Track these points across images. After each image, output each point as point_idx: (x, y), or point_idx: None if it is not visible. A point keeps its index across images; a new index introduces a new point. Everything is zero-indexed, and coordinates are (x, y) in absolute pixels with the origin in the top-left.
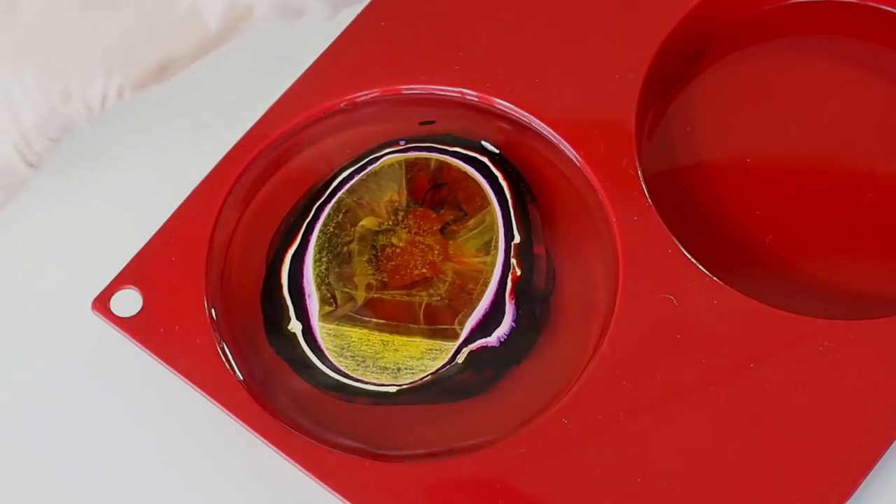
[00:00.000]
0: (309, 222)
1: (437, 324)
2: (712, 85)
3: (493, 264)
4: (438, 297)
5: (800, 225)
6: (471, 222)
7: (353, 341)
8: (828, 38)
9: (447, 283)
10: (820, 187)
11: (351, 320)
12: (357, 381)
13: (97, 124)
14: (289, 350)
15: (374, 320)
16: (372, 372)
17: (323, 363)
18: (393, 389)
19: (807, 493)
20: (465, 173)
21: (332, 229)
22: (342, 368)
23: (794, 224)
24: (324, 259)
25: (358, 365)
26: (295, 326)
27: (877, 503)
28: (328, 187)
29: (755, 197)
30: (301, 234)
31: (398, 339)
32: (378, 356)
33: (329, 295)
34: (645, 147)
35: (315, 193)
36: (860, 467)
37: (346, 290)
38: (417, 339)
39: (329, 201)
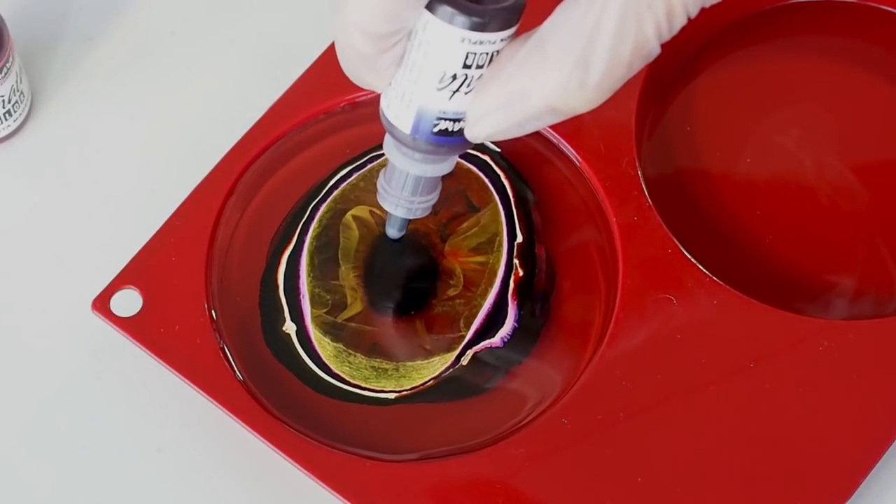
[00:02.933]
0: (304, 222)
1: (436, 328)
2: (712, 85)
3: (496, 264)
4: (443, 301)
5: (800, 225)
6: (465, 224)
7: (341, 353)
8: (827, 38)
9: (458, 287)
10: (820, 187)
11: (344, 339)
12: (354, 386)
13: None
14: (285, 352)
15: (369, 329)
16: (370, 378)
17: (318, 366)
18: (392, 396)
19: (807, 493)
20: (469, 170)
21: (326, 228)
22: (339, 373)
23: (794, 224)
24: (317, 259)
25: (355, 371)
26: (290, 328)
27: (877, 503)
28: (325, 186)
29: (755, 197)
30: (297, 235)
31: (408, 366)
32: (371, 378)
33: (325, 297)
34: (645, 147)
35: (312, 193)
36: (860, 467)
37: (341, 292)
38: (436, 359)
39: (324, 200)
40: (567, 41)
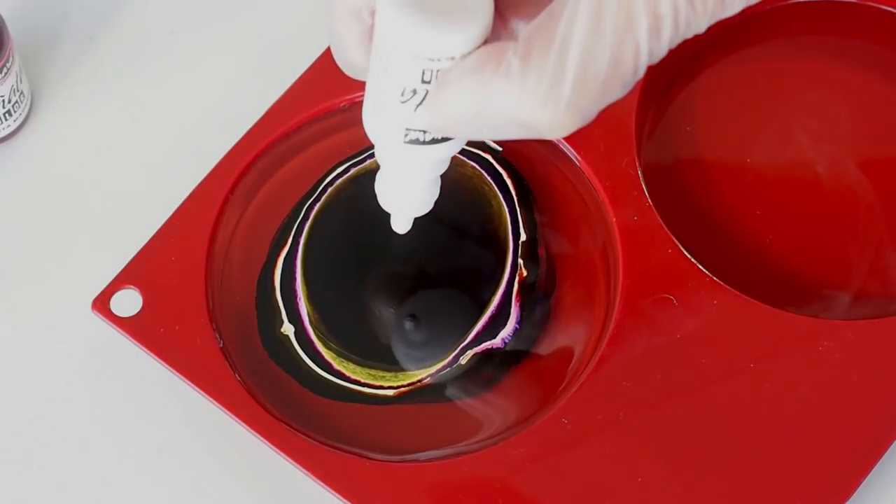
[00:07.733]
0: (299, 223)
1: (432, 334)
2: (712, 85)
3: (502, 264)
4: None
5: (800, 225)
6: (464, 221)
7: (335, 357)
8: (827, 38)
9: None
10: (820, 187)
11: (334, 349)
12: (354, 383)
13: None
14: (283, 353)
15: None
16: (368, 378)
17: (318, 366)
18: (391, 393)
19: (807, 493)
20: (473, 168)
21: (319, 229)
22: (340, 370)
23: (795, 224)
24: (311, 261)
25: (351, 373)
26: (288, 329)
27: (877, 503)
28: (319, 186)
29: (755, 197)
30: (292, 236)
31: (407, 373)
32: (369, 378)
33: (316, 303)
34: (645, 147)
35: (308, 193)
36: (860, 467)
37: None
38: (441, 364)
39: (319, 200)
40: (537, 49)
